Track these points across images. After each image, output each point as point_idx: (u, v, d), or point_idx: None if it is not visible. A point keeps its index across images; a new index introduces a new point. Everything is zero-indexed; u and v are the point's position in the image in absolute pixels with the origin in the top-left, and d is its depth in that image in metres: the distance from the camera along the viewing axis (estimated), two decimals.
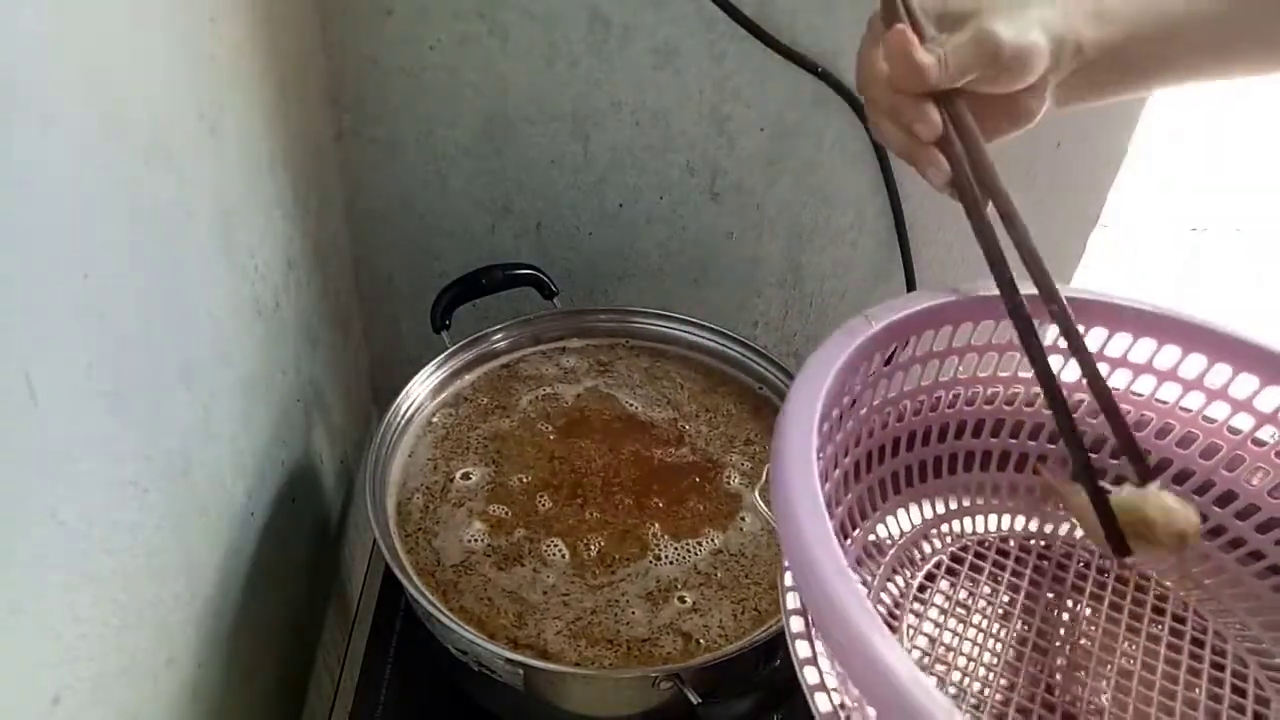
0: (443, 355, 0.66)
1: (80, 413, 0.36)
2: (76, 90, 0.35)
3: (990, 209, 0.46)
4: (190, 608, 0.48)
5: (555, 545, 0.56)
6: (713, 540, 0.57)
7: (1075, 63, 0.44)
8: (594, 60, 0.70)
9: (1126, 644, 0.47)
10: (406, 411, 0.63)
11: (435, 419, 0.65)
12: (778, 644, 0.55)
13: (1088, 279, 0.83)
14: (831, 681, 0.37)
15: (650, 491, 0.60)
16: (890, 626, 0.42)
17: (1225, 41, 0.45)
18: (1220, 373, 0.49)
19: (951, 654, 0.46)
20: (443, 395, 0.66)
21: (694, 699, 0.48)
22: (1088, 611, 0.50)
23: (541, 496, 0.59)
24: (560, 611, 0.53)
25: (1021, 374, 0.53)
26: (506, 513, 0.58)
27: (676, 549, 0.57)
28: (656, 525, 0.58)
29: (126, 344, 0.40)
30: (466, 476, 0.61)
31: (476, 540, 0.56)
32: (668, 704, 0.50)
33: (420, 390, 0.64)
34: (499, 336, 0.69)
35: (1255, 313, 1.56)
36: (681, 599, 0.54)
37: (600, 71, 0.71)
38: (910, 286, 0.81)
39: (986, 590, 0.51)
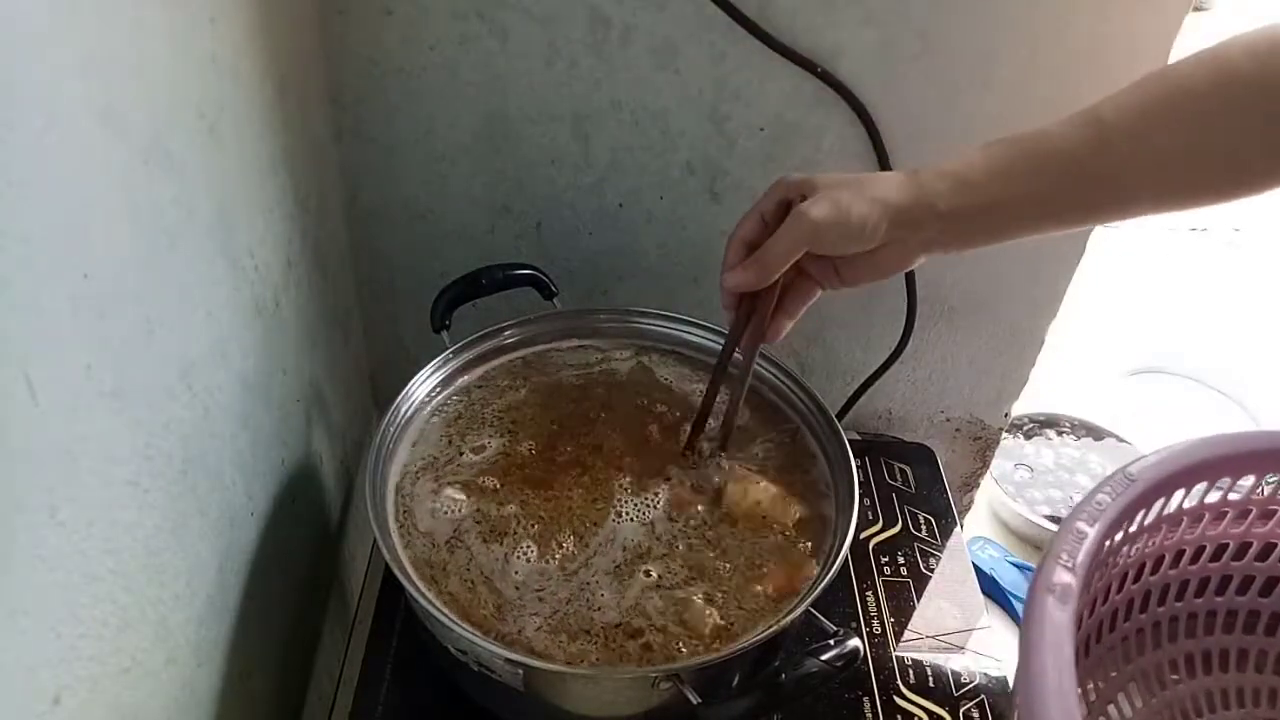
0: (443, 355, 0.66)
1: (80, 413, 0.36)
2: (76, 90, 0.35)
3: None
4: (190, 608, 0.48)
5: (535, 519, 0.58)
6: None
7: (938, 223, 0.50)
8: (594, 60, 0.70)
9: None
10: (406, 411, 0.63)
11: (448, 405, 0.66)
12: (778, 644, 0.55)
13: (1088, 279, 0.83)
14: None
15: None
16: None
17: (1092, 205, 0.48)
18: None
19: None
20: (451, 388, 0.66)
21: (694, 699, 0.48)
22: None
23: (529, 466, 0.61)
24: (534, 606, 0.53)
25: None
26: (497, 485, 0.60)
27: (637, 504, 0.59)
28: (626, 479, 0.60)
29: (126, 344, 0.40)
30: (478, 450, 0.62)
31: (460, 510, 0.58)
32: (668, 704, 0.50)
33: (420, 390, 0.64)
34: (499, 336, 0.69)
35: (1255, 313, 1.56)
36: (647, 572, 0.55)
37: (600, 71, 0.71)
38: (910, 287, 0.81)
39: None
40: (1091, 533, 0.44)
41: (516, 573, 0.55)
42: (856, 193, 0.50)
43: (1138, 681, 0.55)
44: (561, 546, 0.56)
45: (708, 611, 0.53)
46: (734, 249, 0.55)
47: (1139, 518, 0.50)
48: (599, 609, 0.53)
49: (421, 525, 0.57)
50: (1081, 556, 0.43)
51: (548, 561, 0.55)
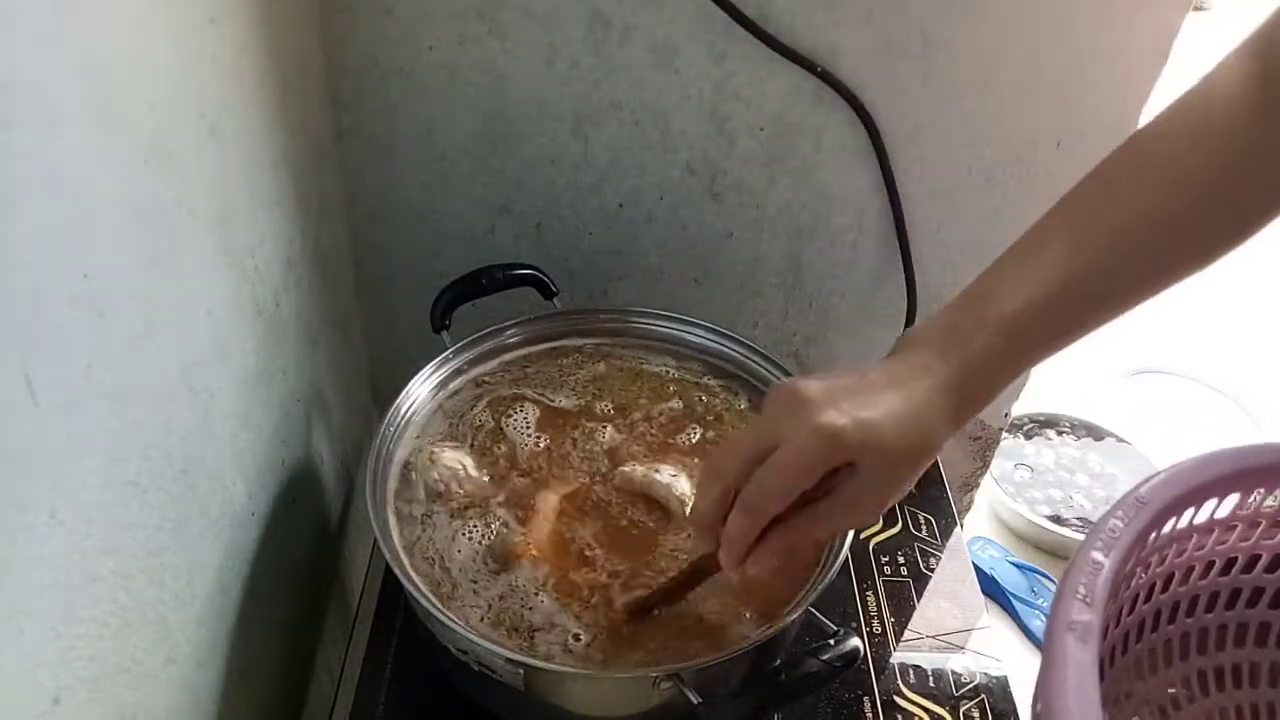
0: (443, 355, 0.66)
1: (80, 413, 0.36)
2: (76, 90, 0.35)
3: None
4: (190, 608, 0.48)
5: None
6: None
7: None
8: (594, 60, 0.70)
9: None
10: (406, 411, 0.63)
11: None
12: (778, 644, 0.55)
13: None
14: None
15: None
16: None
17: (1110, 315, 0.43)
18: None
19: None
20: (450, 388, 0.67)
21: (694, 699, 0.48)
22: None
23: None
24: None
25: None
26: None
27: None
28: None
29: (126, 344, 0.40)
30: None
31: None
32: (668, 704, 0.50)
33: (420, 390, 0.64)
34: (499, 336, 0.69)
35: (1255, 313, 1.56)
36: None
37: (600, 71, 0.71)
38: (910, 286, 0.81)
39: None
40: (1108, 563, 0.42)
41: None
42: (915, 464, 0.41)
43: (1151, 704, 0.53)
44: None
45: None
46: (759, 518, 0.42)
47: (1150, 540, 0.48)
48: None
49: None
50: (1100, 589, 0.41)
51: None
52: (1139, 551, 0.48)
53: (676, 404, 0.67)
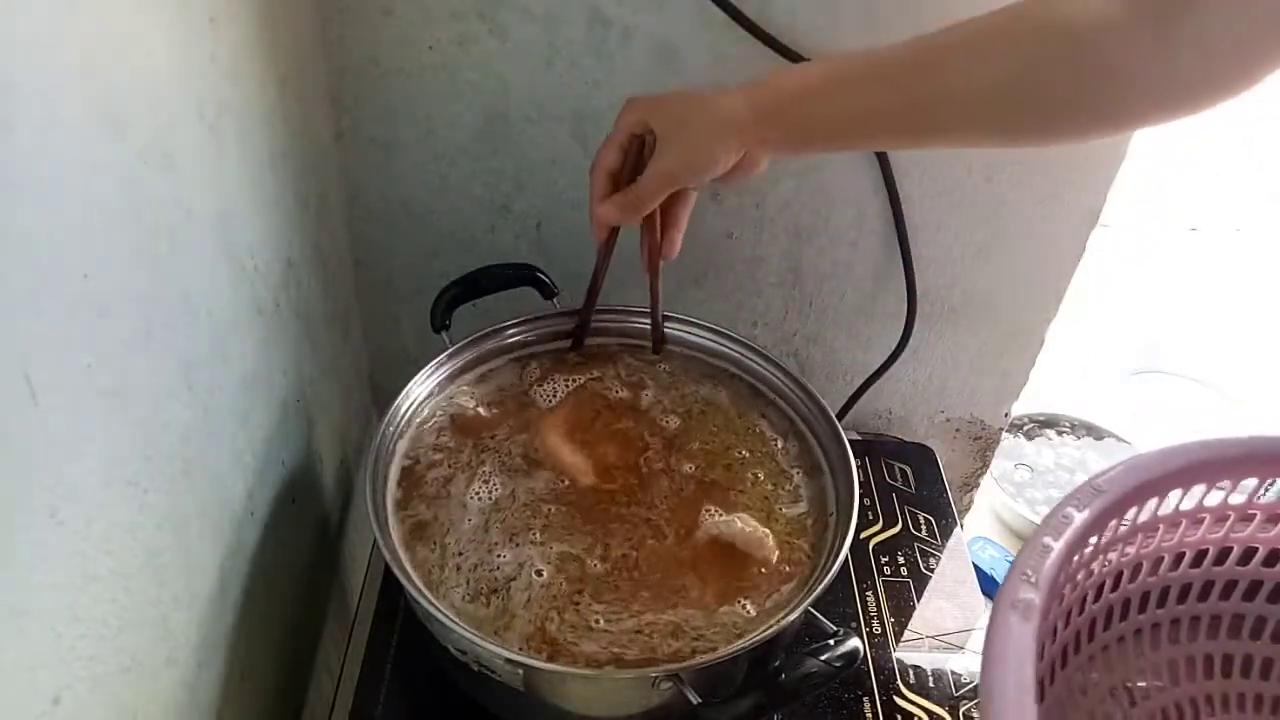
0: (443, 355, 0.66)
1: (80, 413, 0.36)
2: (76, 90, 0.35)
3: None
4: (190, 608, 0.48)
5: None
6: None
7: (783, 132, 0.52)
8: (594, 60, 0.70)
9: None
10: (406, 411, 0.63)
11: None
12: (778, 644, 0.55)
13: (1088, 279, 0.83)
14: None
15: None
16: None
17: (916, 127, 0.51)
18: None
19: None
20: (451, 388, 0.66)
21: (694, 699, 0.48)
22: None
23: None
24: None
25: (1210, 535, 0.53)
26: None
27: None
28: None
29: (126, 344, 0.40)
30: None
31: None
32: (667, 704, 0.51)
33: (420, 390, 0.64)
34: (499, 336, 0.69)
35: (1255, 313, 1.56)
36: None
37: (600, 71, 0.71)
38: (910, 287, 0.81)
39: None
40: (1057, 546, 0.43)
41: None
42: (703, 127, 0.52)
43: (1120, 689, 0.54)
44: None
45: None
46: (598, 180, 0.57)
47: (1112, 526, 0.49)
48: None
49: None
50: (1046, 571, 0.42)
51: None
52: (1099, 537, 0.49)
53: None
